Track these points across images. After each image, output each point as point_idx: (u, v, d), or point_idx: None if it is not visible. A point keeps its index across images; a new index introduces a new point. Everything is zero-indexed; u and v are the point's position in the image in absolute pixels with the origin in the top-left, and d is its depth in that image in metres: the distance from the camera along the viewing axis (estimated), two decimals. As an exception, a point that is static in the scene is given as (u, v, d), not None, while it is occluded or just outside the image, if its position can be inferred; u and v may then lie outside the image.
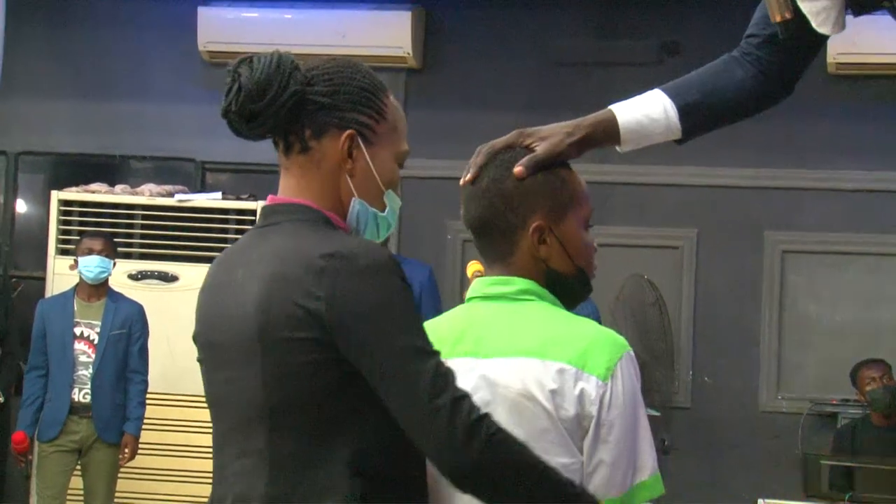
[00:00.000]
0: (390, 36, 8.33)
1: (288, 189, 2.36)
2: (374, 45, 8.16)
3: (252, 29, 8.41)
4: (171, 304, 7.36)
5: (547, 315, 2.39)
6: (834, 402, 8.01)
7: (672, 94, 2.71)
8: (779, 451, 8.01)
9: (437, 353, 2.16)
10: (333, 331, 2.17)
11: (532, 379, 2.30)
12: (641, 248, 8.33)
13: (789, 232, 8.29)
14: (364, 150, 2.33)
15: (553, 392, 2.28)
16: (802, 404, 8.09)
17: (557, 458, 2.26)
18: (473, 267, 4.69)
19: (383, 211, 2.37)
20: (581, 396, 2.26)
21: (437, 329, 2.36)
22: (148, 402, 7.03)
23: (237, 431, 2.28)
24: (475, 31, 8.56)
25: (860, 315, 8.24)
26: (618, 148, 2.68)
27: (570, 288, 2.44)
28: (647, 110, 2.69)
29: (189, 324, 2.39)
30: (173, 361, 7.24)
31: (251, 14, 8.56)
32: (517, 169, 2.40)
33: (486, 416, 2.12)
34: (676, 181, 8.27)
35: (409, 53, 8.35)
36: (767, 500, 6.37)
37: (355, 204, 2.34)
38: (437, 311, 6.54)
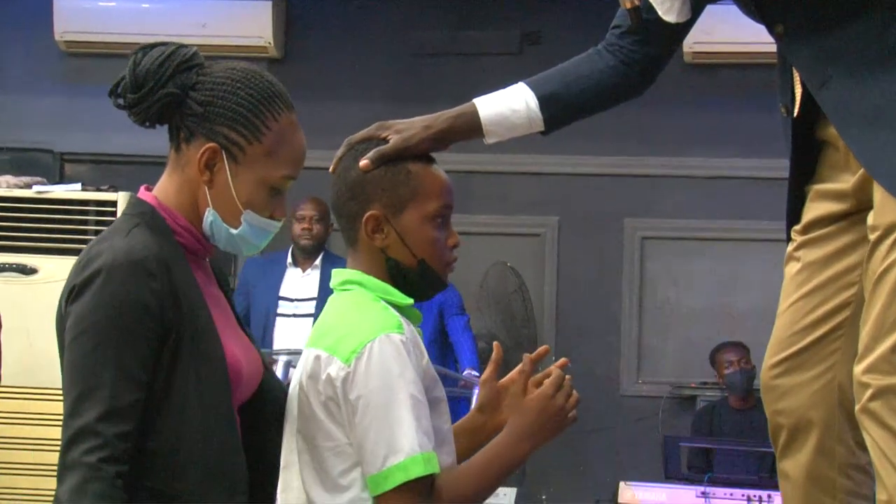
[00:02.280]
0: (251, 26, 8.26)
1: (158, 182, 2.39)
2: (235, 34, 8.09)
3: (109, 19, 8.27)
4: (30, 297, 7.22)
5: (346, 305, 2.46)
6: (693, 385, 8.13)
7: (533, 86, 2.77)
8: (640, 434, 8.12)
9: (113, 373, 2.17)
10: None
11: (301, 367, 2.41)
12: (504, 236, 8.38)
13: (648, 219, 8.40)
14: (227, 166, 2.32)
15: (310, 378, 2.37)
16: (662, 388, 8.20)
17: (323, 441, 2.36)
18: None
19: (236, 229, 2.36)
20: (328, 380, 2.34)
21: None
22: (4, 395, 6.91)
23: None
24: (336, 22, 8.53)
25: (718, 299, 8.38)
26: (483, 140, 2.74)
27: (412, 279, 2.49)
28: (508, 102, 2.74)
29: (48, 316, 2.38)
30: (32, 354, 7.11)
31: (108, 4, 8.41)
32: (362, 162, 2.47)
33: (102, 463, 2.17)
34: (537, 170, 8.34)
35: (269, 43, 8.30)
36: (629, 483, 6.46)
37: (209, 214, 2.35)
38: None
